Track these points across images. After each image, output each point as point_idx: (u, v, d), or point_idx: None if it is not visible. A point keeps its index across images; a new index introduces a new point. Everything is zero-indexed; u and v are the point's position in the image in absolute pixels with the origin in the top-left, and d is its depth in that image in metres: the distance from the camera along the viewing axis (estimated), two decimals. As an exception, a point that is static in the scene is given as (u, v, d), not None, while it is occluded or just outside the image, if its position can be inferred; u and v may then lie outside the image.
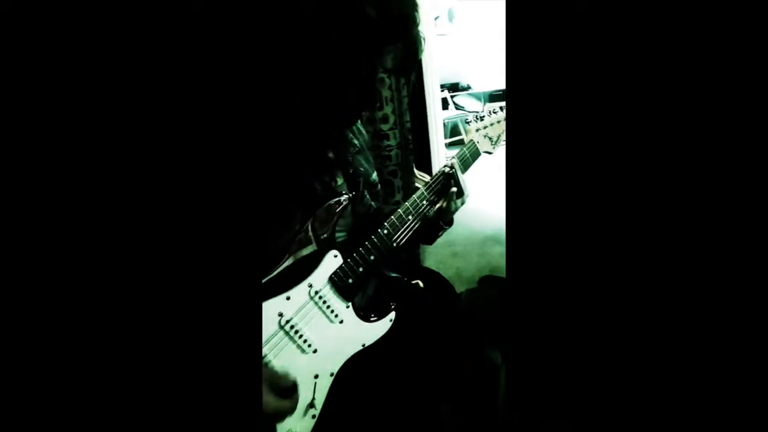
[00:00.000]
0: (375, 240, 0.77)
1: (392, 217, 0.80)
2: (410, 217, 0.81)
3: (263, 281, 0.69)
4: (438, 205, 0.86)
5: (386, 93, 1.80)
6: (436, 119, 2.26)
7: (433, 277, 1.01)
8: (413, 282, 1.10)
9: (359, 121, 0.95)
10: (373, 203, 0.87)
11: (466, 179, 0.87)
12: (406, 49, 0.66)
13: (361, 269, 0.76)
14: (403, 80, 1.80)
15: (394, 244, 0.79)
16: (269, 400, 0.62)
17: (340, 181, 0.78)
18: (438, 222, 0.90)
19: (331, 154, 0.76)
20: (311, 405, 0.70)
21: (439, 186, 0.85)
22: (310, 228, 0.73)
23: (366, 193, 0.85)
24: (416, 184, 1.84)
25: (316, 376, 0.72)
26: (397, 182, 1.96)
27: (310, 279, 0.72)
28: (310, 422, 0.70)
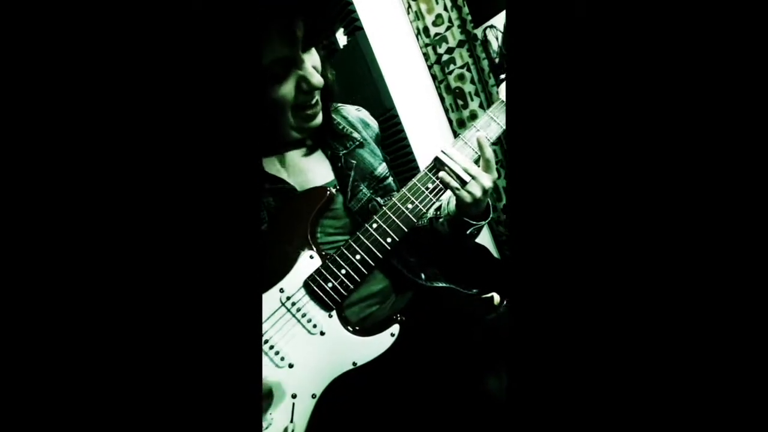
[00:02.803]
0: (361, 236, 0.65)
1: (384, 207, 0.66)
2: (409, 205, 0.66)
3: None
4: (448, 195, 0.69)
5: (468, 88, 1.63)
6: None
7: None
8: (485, 295, 0.91)
9: (366, 113, 0.85)
10: (378, 199, 0.74)
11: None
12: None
13: (344, 271, 0.64)
14: (488, 70, 1.60)
15: (388, 240, 0.65)
16: None
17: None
18: (459, 216, 0.71)
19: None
20: (289, 430, 0.61)
21: (434, 171, 0.68)
22: (281, 224, 0.66)
23: (362, 188, 0.73)
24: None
25: (294, 396, 0.62)
26: (501, 182, 1.72)
27: (282, 283, 0.64)
28: (286, 450, 0.60)
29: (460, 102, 1.65)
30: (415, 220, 0.65)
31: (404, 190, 0.66)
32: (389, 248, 0.65)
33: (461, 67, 1.61)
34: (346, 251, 0.64)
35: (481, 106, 1.62)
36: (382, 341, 0.64)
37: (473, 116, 1.66)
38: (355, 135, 0.78)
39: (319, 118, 0.69)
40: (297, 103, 0.63)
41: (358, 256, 0.64)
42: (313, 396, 0.62)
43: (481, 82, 1.61)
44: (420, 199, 0.66)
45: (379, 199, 0.76)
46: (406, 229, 0.65)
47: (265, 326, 0.62)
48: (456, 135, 1.76)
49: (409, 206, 0.66)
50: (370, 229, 0.65)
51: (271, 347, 0.62)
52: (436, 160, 0.67)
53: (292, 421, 0.61)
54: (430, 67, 1.71)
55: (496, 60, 1.61)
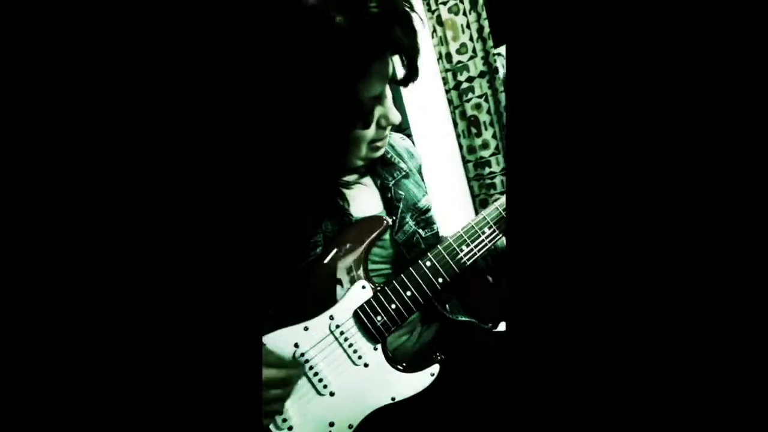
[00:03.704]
0: (414, 273, 0.66)
1: (439, 246, 0.68)
2: (465, 248, 0.68)
3: (283, 305, 0.63)
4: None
5: (484, 117, 1.67)
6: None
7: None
8: (494, 328, 0.93)
9: (409, 142, 0.86)
10: (421, 231, 0.75)
11: None
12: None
13: (393, 306, 0.65)
14: (504, 102, 1.65)
15: (439, 280, 0.66)
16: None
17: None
18: None
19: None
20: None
21: (494, 219, 0.69)
22: (336, 250, 0.66)
23: (408, 220, 0.74)
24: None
25: (332, 424, 0.62)
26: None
27: (333, 310, 0.64)
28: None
29: (473, 130, 1.69)
30: (468, 264, 0.67)
31: (461, 231, 0.68)
32: (440, 288, 0.66)
33: (479, 97, 1.66)
34: (398, 286, 0.65)
35: (494, 136, 1.67)
36: (423, 380, 0.65)
37: (485, 145, 1.71)
38: (402, 165, 0.79)
39: (383, 150, 0.70)
40: (373, 137, 0.64)
41: (408, 293, 0.65)
42: (350, 426, 0.62)
43: (497, 113, 1.65)
44: (476, 243, 0.68)
45: (421, 231, 0.77)
46: (458, 271, 0.67)
47: (312, 352, 0.62)
48: (465, 161, 1.80)
49: (465, 249, 0.67)
50: (423, 267, 0.66)
51: (316, 374, 0.62)
52: (496, 209, 0.69)
53: (327, 450, 0.61)
54: (447, 92, 1.75)
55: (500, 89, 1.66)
